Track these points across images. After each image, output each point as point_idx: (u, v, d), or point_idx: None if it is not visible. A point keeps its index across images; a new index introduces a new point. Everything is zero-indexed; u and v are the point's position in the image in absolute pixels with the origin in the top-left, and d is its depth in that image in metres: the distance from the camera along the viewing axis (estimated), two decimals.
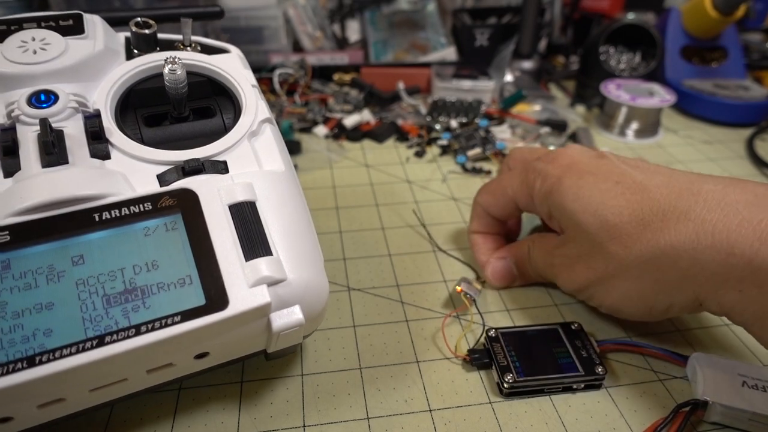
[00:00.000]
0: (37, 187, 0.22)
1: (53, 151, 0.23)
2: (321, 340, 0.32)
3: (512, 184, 0.34)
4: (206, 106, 0.29)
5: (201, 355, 0.23)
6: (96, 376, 0.21)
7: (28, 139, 0.24)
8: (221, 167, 0.25)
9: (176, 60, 0.25)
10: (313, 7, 0.67)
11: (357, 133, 0.55)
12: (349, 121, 0.56)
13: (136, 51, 0.29)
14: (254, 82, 0.30)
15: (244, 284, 0.22)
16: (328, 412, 0.28)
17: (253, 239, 0.23)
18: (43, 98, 0.25)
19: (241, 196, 0.24)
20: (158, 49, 0.30)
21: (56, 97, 0.25)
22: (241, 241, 0.23)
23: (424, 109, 0.58)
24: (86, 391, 0.21)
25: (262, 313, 0.22)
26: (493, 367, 0.29)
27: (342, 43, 0.69)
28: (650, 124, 0.57)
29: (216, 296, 0.21)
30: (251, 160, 0.26)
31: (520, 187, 0.33)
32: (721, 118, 0.61)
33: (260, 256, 0.23)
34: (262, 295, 0.22)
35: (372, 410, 0.28)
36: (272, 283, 0.22)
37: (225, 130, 0.28)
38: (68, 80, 0.26)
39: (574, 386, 0.29)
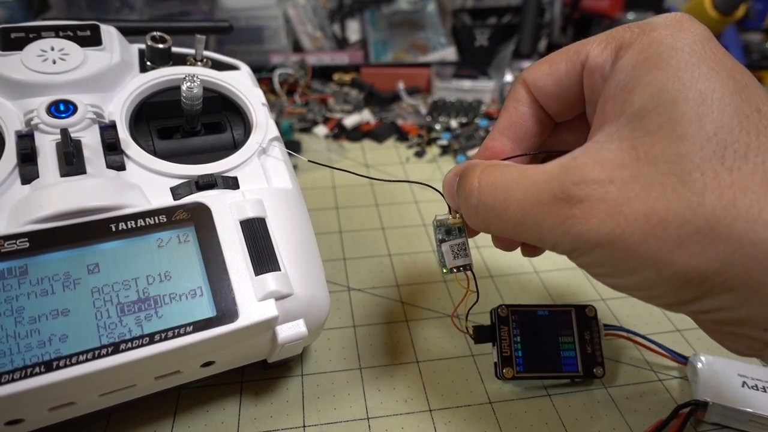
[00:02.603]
0: (56, 196, 0.23)
1: (73, 161, 0.24)
2: (321, 340, 0.32)
3: (585, 42, 0.22)
4: (217, 121, 0.30)
5: (207, 364, 0.24)
6: (108, 382, 0.22)
7: (46, 148, 0.25)
8: (232, 183, 0.26)
9: (195, 78, 0.26)
10: (313, 7, 0.67)
11: (357, 133, 0.55)
12: (349, 121, 0.56)
13: (149, 64, 0.30)
14: (264, 100, 0.30)
15: (253, 298, 0.23)
16: (328, 412, 0.28)
17: (263, 255, 0.24)
18: (62, 108, 0.26)
19: (251, 213, 0.25)
20: (171, 63, 0.31)
21: (75, 108, 0.26)
22: (251, 256, 0.24)
23: (424, 109, 0.58)
24: (96, 395, 0.22)
25: (269, 325, 0.23)
26: (495, 348, 0.29)
27: (342, 43, 0.69)
28: None
29: (226, 308, 0.22)
30: (260, 177, 0.27)
31: (596, 41, 0.21)
32: None
33: (269, 271, 0.23)
34: (270, 309, 0.23)
35: (372, 410, 0.28)
36: (280, 297, 0.23)
37: (234, 145, 0.29)
38: (86, 91, 0.27)
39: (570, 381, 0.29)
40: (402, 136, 0.55)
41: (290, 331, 0.24)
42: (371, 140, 0.55)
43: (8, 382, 0.19)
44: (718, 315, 0.18)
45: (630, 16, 0.66)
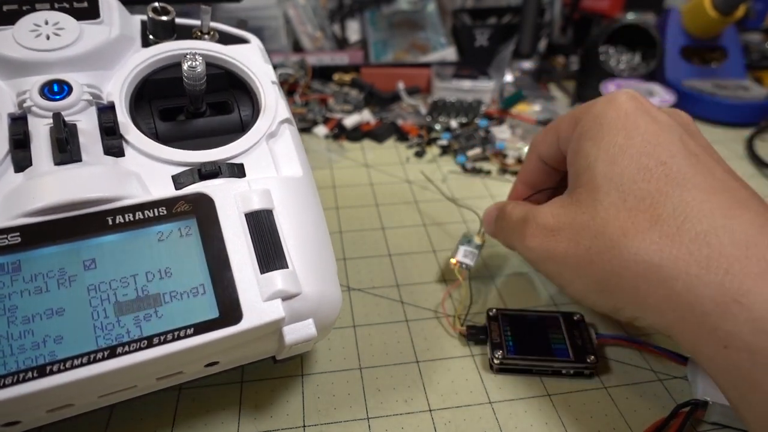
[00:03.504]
0: (49, 187, 0.21)
1: (67, 148, 0.22)
2: (321, 340, 0.32)
3: (563, 117, 0.30)
4: (223, 101, 0.28)
5: (211, 364, 0.23)
6: (106, 385, 0.21)
7: (40, 133, 0.23)
8: (238, 171, 0.25)
9: (196, 56, 0.24)
10: (313, 7, 0.66)
11: (357, 133, 0.55)
12: (349, 121, 0.56)
13: (152, 38, 0.28)
14: (274, 78, 0.29)
15: (258, 298, 0.21)
16: (328, 412, 0.28)
17: (269, 250, 0.22)
18: (56, 89, 0.24)
19: (258, 204, 0.23)
20: (176, 36, 0.29)
21: (69, 89, 0.24)
22: (257, 252, 0.22)
23: (424, 109, 0.58)
24: (95, 397, 0.21)
25: (276, 327, 0.22)
26: (487, 344, 0.30)
27: (342, 43, 0.69)
28: None
29: (229, 309, 0.21)
30: (269, 164, 0.25)
31: (567, 118, 0.29)
32: (720, 118, 0.61)
33: (276, 269, 0.22)
34: (276, 310, 0.22)
35: (372, 410, 0.28)
36: (287, 297, 0.22)
37: (242, 126, 0.27)
38: (82, 68, 0.25)
39: (563, 371, 0.29)
40: (402, 136, 0.55)
41: (298, 332, 0.22)
42: (371, 140, 0.55)
43: (1, 387, 0.18)
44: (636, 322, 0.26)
45: (630, 16, 0.66)
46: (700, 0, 0.62)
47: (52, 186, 0.21)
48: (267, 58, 0.30)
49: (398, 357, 0.31)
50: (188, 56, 0.24)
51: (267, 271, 0.22)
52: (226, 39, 0.29)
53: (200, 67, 0.24)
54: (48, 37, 0.25)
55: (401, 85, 0.60)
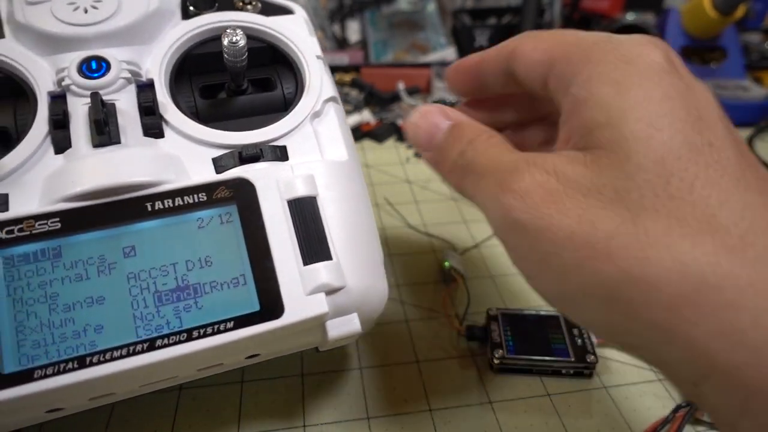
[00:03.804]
0: (88, 171, 0.21)
1: (105, 130, 0.22)
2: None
3: (548, 38, 0.21)
4: (266, 77, 0.27)
5: (252, 356, 0.23)
6: (145, 376, 0.20)
7: (78, 113, 0.22)
8: (281, 154, 0.24)
9: (237, 30, 0.23)
10: (314, 7, 0.67)
11: (357, 133, 0.55)
12: (349, 121, 0.56)
13: (192, 9, 0.27)
14: (319, 52, 0.27)
15: (301, 291, 0.21)
16: (328, 412, 0.28)
17: (313, 241, 0.22)
18: (94, 66, 0.23)
19: (301, 191, 0.22)
20: (217, 6, 0.27)
21: (108, 66, 0.23)
22: (300, 243, 0.21)
23: None
24: (136, 386, 0.21)
25: (318, 322, 0.21)
26: (487, 343, 0.30)
27: (342, 44, 0.69)
28: None
29: (271, 302, 0.20)
30: (313, 147, 0.24)
31: (562, 45, 0.20)
32: None
33: (319, 261, 0.21)
34: (319, 304, 0.21)
35: (372, 410, 0.28)
36: (330, 291, 0.21)
37: (285, 104, 0.26)
38: (120, 44, 0.24)
39: (563, 371, 0.29)
40: (402, 136, 0.55)
41: (342, 327, 0.22)
42: (371, 140, 0.55)
43: (42, 377, 0.18)
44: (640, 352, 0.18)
45: (630, 16, 0.66)
46: (700, 0, 0.62)
47: (91, 170, 0.21)
48: (312, 30, 0.28)
49: (398, 357, 0.31)
50: (228, 31, 0.23)
51: (310, 263, 0.21)
52: (268, 9, 0.28)
53: (241, 43, 0.23)
54: (86, 11, 0.24)
55: (401, 86, 0.60)
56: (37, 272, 0.19)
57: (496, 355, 0.29)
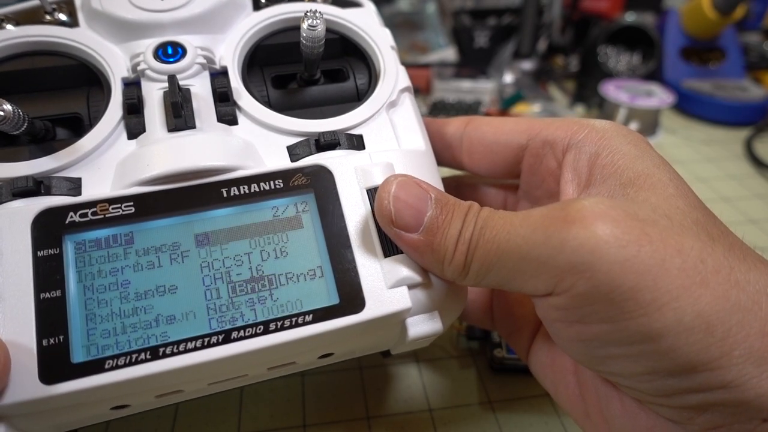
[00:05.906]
0: (163, 154, 0.20)
1: (181, 113, 0.21)
2: None
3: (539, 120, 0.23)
4: (338, 68, 0.26)
5: (325, 355, 0.21)
6: (216, 372, 0.19)
7: (153, 98, 0.22)
8: (357, 142, 0.23)
9: (317, 14, 0.22)
10: None
11: None
12: None
13: (263, 1, 0.27)
14: (393, 43, 0.27)
15: (382, 284, 0.20)
16: (328, 412, 0.28)
17: None
18: (170, 51, 0.23)
19: (381, 179, 0.21)
20: None
21: (183, 51, 0.23)
22: (380, 234, 0.20)
23: (425, 109, 0.58)
24: (205, 384, 0.20)
25: (400, 318, 0.20)
26: (487, 343, 0.30)
27: None
28: (649, 125, 0.57)
29: (351, 296, 0.19)
30: (389, 136, 0.23)
31: (559, 123, 0.22)
32: (719, 118, 0.61)
33: (400, 253, 0.20)
34: (402, 299, 0.20)
35: (372, 410, 0.28)
36: (412, 285, 0.20)
37: (358, 96, 0.25)
38: (195, 31, 0.24)
39: None
40: None
41: (423, 326, 0.20)
42: None
43: (112, 368, 0.17)
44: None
45: (629, 17, 0.67)
46: (699, 1, 0.62)
47: (166, 153, 0.20)
48: (382, 22, 0.28)
49: (398, 357, 0.31)
50: (308, 13, 0.22)
51: (391, 255, 0.20)
52: (337, 2, 0.28)
53: (321, 26, 0.22)
54: None
55: None
56: (108, 258, 0.19)
57: (496, 356, 0.29)
